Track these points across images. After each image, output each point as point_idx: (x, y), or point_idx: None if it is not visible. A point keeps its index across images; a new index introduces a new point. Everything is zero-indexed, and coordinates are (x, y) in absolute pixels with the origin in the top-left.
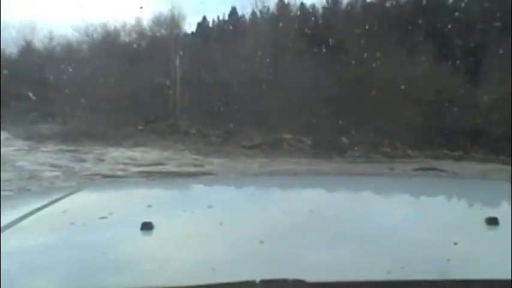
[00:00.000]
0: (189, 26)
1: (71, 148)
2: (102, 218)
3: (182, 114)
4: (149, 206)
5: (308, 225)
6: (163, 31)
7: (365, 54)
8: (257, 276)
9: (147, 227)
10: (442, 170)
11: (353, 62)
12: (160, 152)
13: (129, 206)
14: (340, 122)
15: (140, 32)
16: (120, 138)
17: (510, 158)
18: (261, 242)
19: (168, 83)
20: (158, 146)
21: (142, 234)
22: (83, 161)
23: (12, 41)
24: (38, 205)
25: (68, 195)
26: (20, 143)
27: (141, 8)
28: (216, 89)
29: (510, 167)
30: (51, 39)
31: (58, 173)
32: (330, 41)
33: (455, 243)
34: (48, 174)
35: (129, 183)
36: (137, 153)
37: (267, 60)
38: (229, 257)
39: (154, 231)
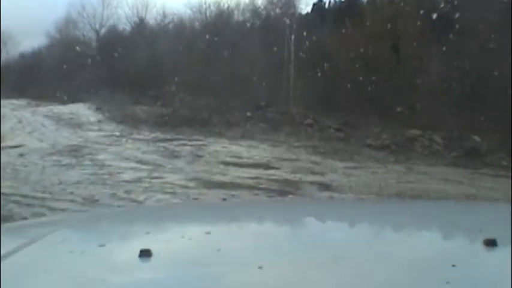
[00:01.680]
0: (305, 6)
1: (168, 137)
2: (100, 245)
3: (296, 101)
4: (147, 232)
5: (308, 250)
6: (278, 10)
7: (498, 38)
8: None
9: (145, 254)
10: None
11: (485, 49)
12: (270, 148)
13: (128, 233)
14: (470, 116)
15: (254, 11)
16: (225, 126)
17: None
18: (260, 268)
19: (281, 65)
20: (268, 139)
21: (140, 261)
22: (177, 156)
23: (125, 17)
24: (36, 235)
25: (66, 225)
26: (112, 127)
27: None
28: (332, 74)
29: None
30: (164, 16)
31: (141, 174)
32: (457, 24)
33: (453, 265)
34: (127, 175)
35: (127, 210)
36: (242, 148)
37: (387, 44)
38: (228, 283)
39: (152, 258)
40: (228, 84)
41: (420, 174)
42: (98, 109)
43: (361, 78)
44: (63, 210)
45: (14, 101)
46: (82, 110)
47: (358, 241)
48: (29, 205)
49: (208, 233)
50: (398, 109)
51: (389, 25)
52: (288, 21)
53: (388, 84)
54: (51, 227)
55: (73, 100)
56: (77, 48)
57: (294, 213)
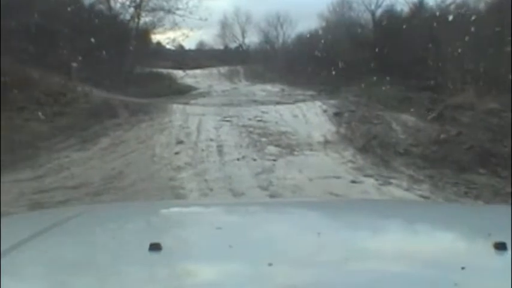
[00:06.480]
0: None
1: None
2: (111, 237)
3: None
4: (158, 226)
5: (317, 248)
6: None
7: None
8: None
9: (155, 247)
10: None
11: None
12: None
13: (138, 227)
14: None
15: None
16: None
17: None
18: (270, 265)
19: None
20: None
21: (150, 254)
22: None
23: None
24: (46, 225)
25: (77, 215)
26: (334, 170)
27: None
28: None
29: None
30: None
31: None
32: None
33: (462, 268)
34: None
35: (137, 204)
36: None
37: None
38: (238, 279)
39: (162, 252)
40: None
41: None
42: (336, 115)
43: None
44: None
45: (268, 87)
46: (310, 114)
47: (367, 242)
48: None
49: (219, 228)
50: None
51: None
52: None
53: None
54: (61, 217)
55: (320, 92)
56: (350, 30)
57: (305, 213)
